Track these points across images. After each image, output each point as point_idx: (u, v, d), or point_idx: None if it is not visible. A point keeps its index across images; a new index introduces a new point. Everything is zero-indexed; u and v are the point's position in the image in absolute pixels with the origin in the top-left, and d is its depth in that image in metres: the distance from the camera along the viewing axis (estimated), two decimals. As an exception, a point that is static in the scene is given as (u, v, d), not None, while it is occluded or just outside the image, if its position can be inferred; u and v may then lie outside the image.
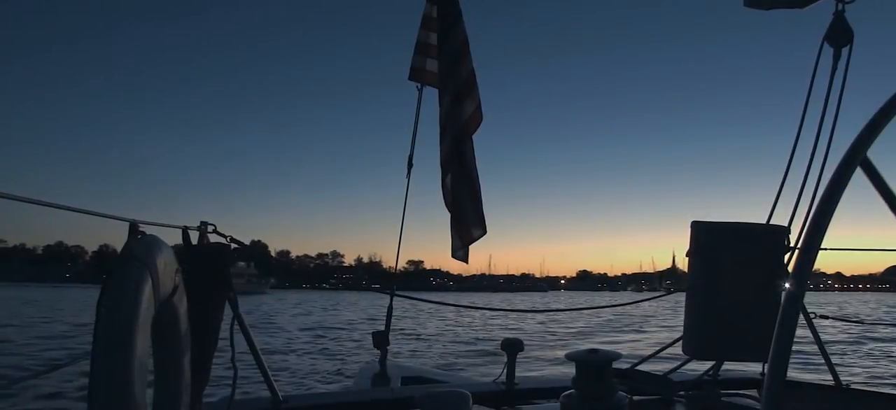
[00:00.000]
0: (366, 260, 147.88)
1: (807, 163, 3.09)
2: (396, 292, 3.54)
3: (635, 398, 2.28)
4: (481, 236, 3.79)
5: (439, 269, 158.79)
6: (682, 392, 2.48)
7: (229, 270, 1.95)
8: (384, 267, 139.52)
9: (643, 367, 2.79)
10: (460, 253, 3.80)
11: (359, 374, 3.85)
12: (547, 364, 11.16)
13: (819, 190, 3.02)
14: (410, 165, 3.70)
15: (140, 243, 1.31)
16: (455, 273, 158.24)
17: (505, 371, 2.81)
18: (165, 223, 1.75)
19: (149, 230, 1.42)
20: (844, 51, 3.09)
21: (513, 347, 2.79)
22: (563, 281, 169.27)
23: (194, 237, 1.95)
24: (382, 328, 3.50)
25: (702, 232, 2.69)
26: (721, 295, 2.55)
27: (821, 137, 3.08)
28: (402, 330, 18.38)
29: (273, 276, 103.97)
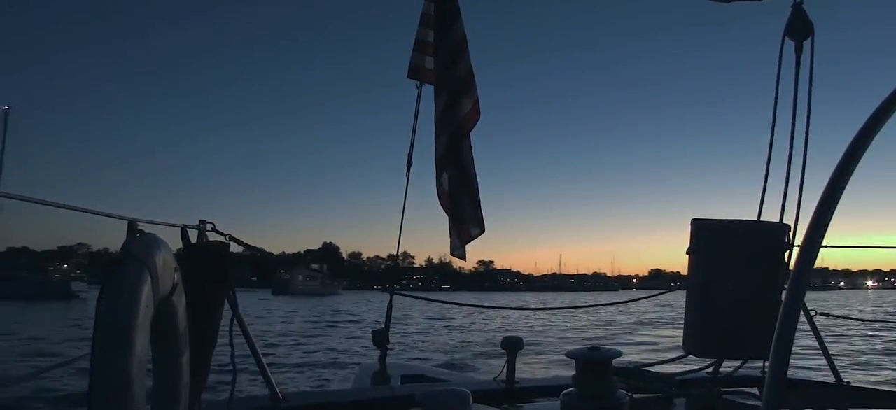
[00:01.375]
0: (436, 260, 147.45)
1: (786, 160, 3.07)
2: (396, 290, 3.54)
3: (636, 396, 2.28)
4: (479, 235, 3.77)
5: (509, 269, 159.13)
6: (682, 390, 2.48)
7: (229, 269, 1.95)
8: (454, 267, 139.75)
9: (643, 365, 2.79)
10: (459, 252, 3.78)
11: (358, 373, 3.85)
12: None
13: (804, 185, 3.00)
14: (410, 163, 3.70)
15: (139, 242, 1.31)
16: (526, 273, 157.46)
17: (505, 369, 2.81)
18: (164, 221, 1.75)
19: (148, 228, 1.41)
20: (806, 44, 3.07)
21: (513, 345, 2.79)
22: (635, 280, 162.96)
23: (194, 236, 1.95)
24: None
25: (702, 230, 2.68)
26: (722, 292, 2.55)
27: (796, 133, 3.06)
28: (424, 332, 18.15)
29: (345, 278, 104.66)
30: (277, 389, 2.28)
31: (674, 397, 2.46)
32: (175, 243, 1.77)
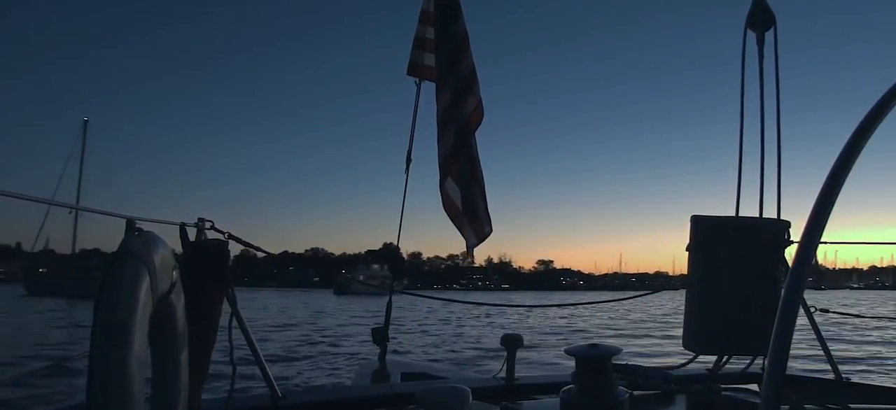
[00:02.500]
0: (496, 260, 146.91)
1: (759, 153, 3.02)
2: (396, 289, 3.54)
3: (635, 393, 2.28)
4: (490, 233, 3.75)
5: (569, 269, 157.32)
6: (682, 387, 2.48)
7: (228, 267, 1.95)
8: (514, 266, 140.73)
9: (644, 362, 2.79)
10: (473, 250, 3.76)
11: (358, 370, 3.86)
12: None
13: (782, 177, 2.98)
14: (409, 161, 3.68)
15: (137, 240, 1.30)
16: (586, 272, 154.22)
17: (505, 366, 2.81)
18: (163, 219, 1.75)
19: (146, 227, 1.41)
20: (769, 36, 3.03)
21: (512, 343, 2.79)
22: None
23: (193, 234, 1.95)
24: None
25: (702, 227, 2.68)
26: (721, 289, 2.55)
27: (766, 125, 3.02)
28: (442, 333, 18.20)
29: (405, 278, 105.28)
30: (277, 387, 2.28)
31: (673, 393, 2.46)
32: (175, 242, 1.77)
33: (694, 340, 2.69)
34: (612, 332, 18.18)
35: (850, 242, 3.32)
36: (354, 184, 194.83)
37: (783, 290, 0.90)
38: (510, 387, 2.72)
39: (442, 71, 3.59)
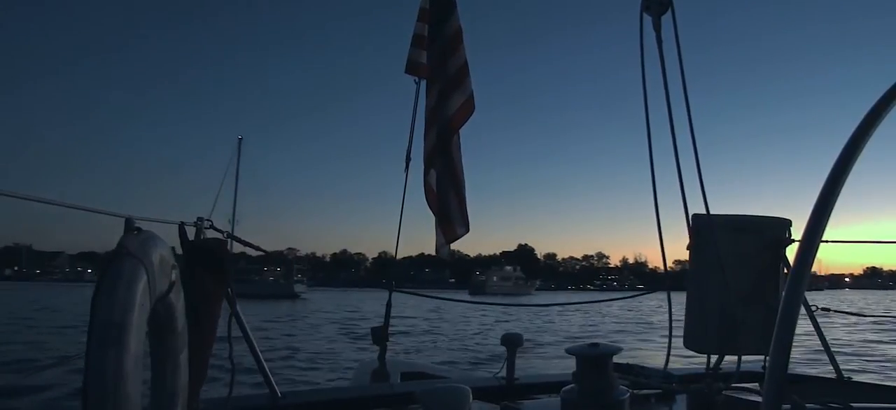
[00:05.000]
0: (631, 260, 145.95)
1: (672, 143, 2.91)
2: (395, 287, 3.53)
3: (636, 392, 2.27)
4: (464, 234, 3.69)
5: None
6: (682, 386, 2.48)
7: (227, 266, 1.95)
8: (650, 267, 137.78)
9: (644, 361, 2.78)
10: (444, 250, 3.73)
11: (358, 370, 3.85)
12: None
13: (701, 168, 2.87)
14: (408, 159, 3.67)
15: (136, 239, 1.30)
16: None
17: (505, 366, 2.80)
18: (162, 218, 1.74)
19: (145, 226, 1.41)
20: (666, 20, 2.92)
21: (513, 342, 2.78)
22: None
23: (192, 233, 1.94)
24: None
25: (703, 225, 2.68)
26: (722, 288, 2.54)
27: (675, 113, 2.92)
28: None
29: (539, 278, 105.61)
30: (276, 387, 2.28)
31: (674, 393, 2.46)
32: (174, 241, 1.77)
33: (695, 339, 2.69)
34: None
35: (851, 241, 3.30)
36: (489, 186, 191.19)
37: (784, 289, 0.90)
38: (511, 387, 2.72)
39: (432, 68, 3.58)
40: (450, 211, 3.65)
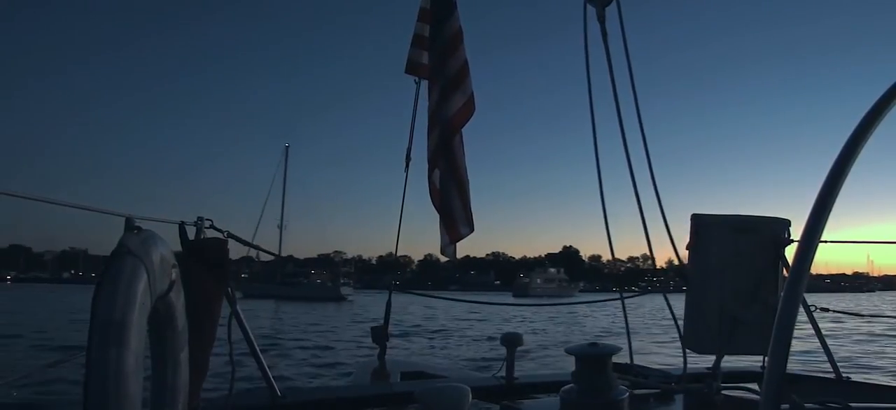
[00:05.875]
0: (676, 262, 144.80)
1: (621, 135, 2.86)
2: (395, 287, 3.54)
3: (635, 391, 2.28)
4: (469, 234, 3.68)
5: None
6: (681, 386, 2.48)
7: (227, 265, 1.95)
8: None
9: (643, 361, 2.79)
10: (449, 250, 3.72)
11: (358, 369, 3.85)
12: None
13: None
14: (408, 159, 3.68)
15: (136, 238, 1.30)
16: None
17: (505, 365, 2.80)
18: (162, 218, 1.74)
19: (145, 225, 1.41)
20: (610, 11, 2.85)
21: (512, 342, 2.79)
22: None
23: (192, 233, 1.94)
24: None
25: (701, 225, 2.68)
26: (721, 288, 2.55)
27: (622, 106, 2.87)
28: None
29: (582, 280, 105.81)
30: (276, 386, 2.28)
31: (673, 392, 2.46)
32: (174, 241, 1.77)
33: (694, 339, 2.69)
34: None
35: (850, 241, 3.31)
36: (535, 188, 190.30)
37: (783, 289, 0.90)
38: (510, 386, 2.72)
39: (433, 69, 3.58)
40: (453, 211, 3.64)
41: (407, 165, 3.68)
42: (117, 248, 1.24)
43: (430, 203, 3.67)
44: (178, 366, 1.52)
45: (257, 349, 2.20)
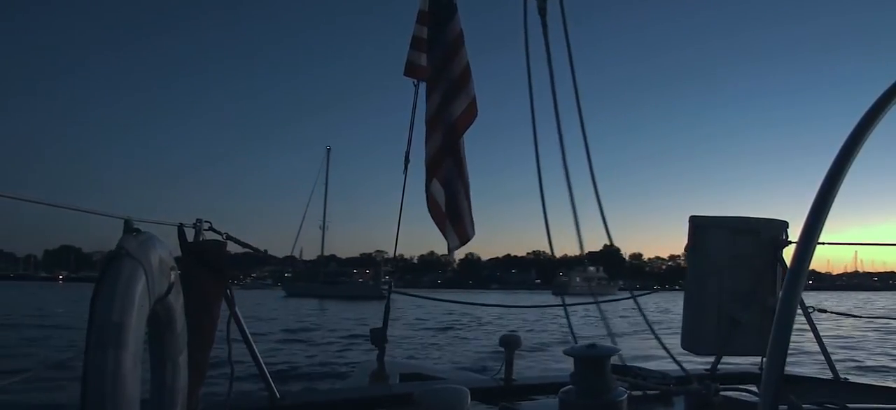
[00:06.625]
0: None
1: (557, 133, 2.81)
2: (394, 288, 3.54)
3: (634, 393, 2.28)
4: (472, 236, 3.68)
5: None
6: (680, 387, 2.48)
7: (226, 267, 1.95)
8: None
9: (642, 362, 2.79)
10: (455, 251, 3.71)
11: (356, 371, 3.85)
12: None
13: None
14: (407, 161, 3.67)
15: (134, 240, 1.30)
16: (821, 271, 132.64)
17: (503, 367, 2.81)
18: (161, 220, 1.74)
19: (144, 227, 1.41)
20: (551, 4, 2.80)
21: (511, 343, 2.79)
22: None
23: (191, 235, 1.94)
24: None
25: (700, 227, 2.69)
26: (720, 289, 2.55)
27: (560, 104, 2.82)
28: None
29: (622, 279, 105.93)
30: (275, 388, 2.28)
31: (672, 394, 2.47)
32: (173, 242, 1.77)
33: (693, 340, 2.70)
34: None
35: (848, 243, 3.31)
36: (576, 187, 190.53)
37: (781, 290, 0.90)
38: (509, 388, 2.72)
39: (433, 72, 3.55)
40: (461, 212, 3.61)
41: (405, 166, 3.67)
42: (116, 250, 1.24)
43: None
44: (177, 368, 1.52)
45: (256, 351, 2.20)
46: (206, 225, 1.97)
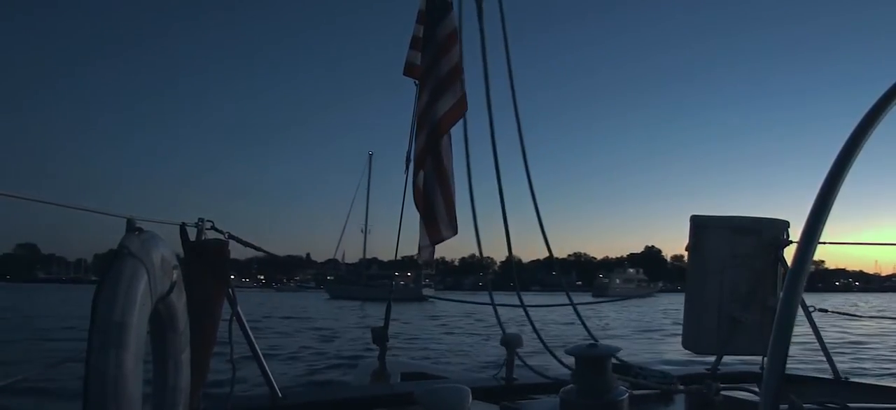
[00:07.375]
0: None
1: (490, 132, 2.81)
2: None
3: (635, 392, 2.28)
4: (451, 236, 3.64)
5: (844, 269, 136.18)
6: (681, 386, 2.48)
7: (228, 266, 1.95)
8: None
9: (643, 361, 2.79)
10: (427, 252, 3.69)
11: (358, 370, 3.85)
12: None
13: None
14: (408, 161, 3.66)
15: (137, 239, 1.30)
16: (871, 272, 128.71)
17: (504, 366, 2.81)
18: (163, 219, 1.74)
19: (146, 226, 1.41)
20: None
21: (512, 343, 2.79)
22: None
23: (193, 234, 1.94)
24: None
25: (701, 227, 2.69)
26: (721, 289, 2.55)
27: (498, 97, 2.84)
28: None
29: (662, 280, 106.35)
30: (277, 387, 2.28)
31: (672, 393, 2.47)
32: (175, 242, 1.77)
33: (693, 340, 2.70)
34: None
35: (848, 243, 3.31)
36: (619, 189, 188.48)
37: (782, 290, 0.90)
38: (510, 387, 2.72)
39: (424, 70, 3.56)
40: (435, 212, 3.61)
41: (407, 167, 3.67)
42: (118, 249, 1.24)
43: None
44: (179, 367, 1.53)
45: (258, 350, 2.20)
46: (208, 225, 1.97)
